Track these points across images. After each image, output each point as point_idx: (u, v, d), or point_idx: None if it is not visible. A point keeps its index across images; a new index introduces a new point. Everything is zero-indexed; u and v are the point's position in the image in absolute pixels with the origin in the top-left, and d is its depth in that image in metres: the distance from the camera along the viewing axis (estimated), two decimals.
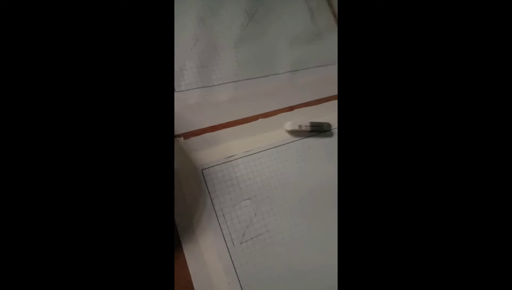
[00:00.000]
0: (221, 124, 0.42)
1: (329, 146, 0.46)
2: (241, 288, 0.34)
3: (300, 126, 0.45)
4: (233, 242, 0.36)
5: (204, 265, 0.34)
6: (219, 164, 0.40)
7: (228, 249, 0.36)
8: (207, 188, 0.38)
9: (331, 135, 0.48)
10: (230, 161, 0.40)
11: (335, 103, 0.51)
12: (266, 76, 0.48)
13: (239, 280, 0.35)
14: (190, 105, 0.41)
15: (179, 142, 0.39)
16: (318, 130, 0.46)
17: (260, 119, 0.44)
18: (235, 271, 0.35)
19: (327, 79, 0.51)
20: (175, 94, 0.41)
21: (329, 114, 0.49)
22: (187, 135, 0.40)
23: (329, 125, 0.48)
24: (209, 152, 0.40)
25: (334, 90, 0.52)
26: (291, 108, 0.47)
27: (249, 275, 0.35)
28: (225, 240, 0.36)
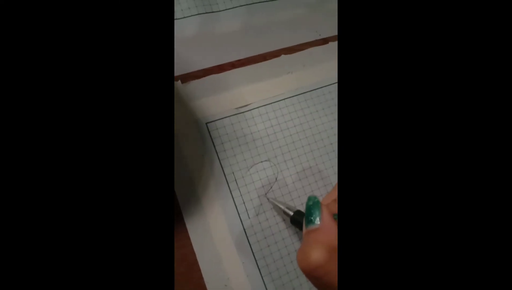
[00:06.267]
0: (230, 62, 0.32)
1: None
2: (259, 269, 0.28)
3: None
4: (248, 214, 0.29)
5: (211, 242, 0.27)
6: (228, 116, 0.30)
7: (242, 222, 0.28)
8: (214, 147, 0.29)
9: None
10: (243, 112, 0.31)
11: None
12: None
13: (255, 259, 0.28)
14: (188, 38, 0.31)
15: (175, 86, 0.30)
16: None
17: (282, 56, 0.33)
18: (251, 249, 0.28)
19: None
20: None
21: None
22: (186, 78, 0.30)
23: None
24: (215, 100, 0.30)
25: None
26: (324, 41, 0.35)
27: (267, 254, 0.28)
28: (238, 211, 0.29)
